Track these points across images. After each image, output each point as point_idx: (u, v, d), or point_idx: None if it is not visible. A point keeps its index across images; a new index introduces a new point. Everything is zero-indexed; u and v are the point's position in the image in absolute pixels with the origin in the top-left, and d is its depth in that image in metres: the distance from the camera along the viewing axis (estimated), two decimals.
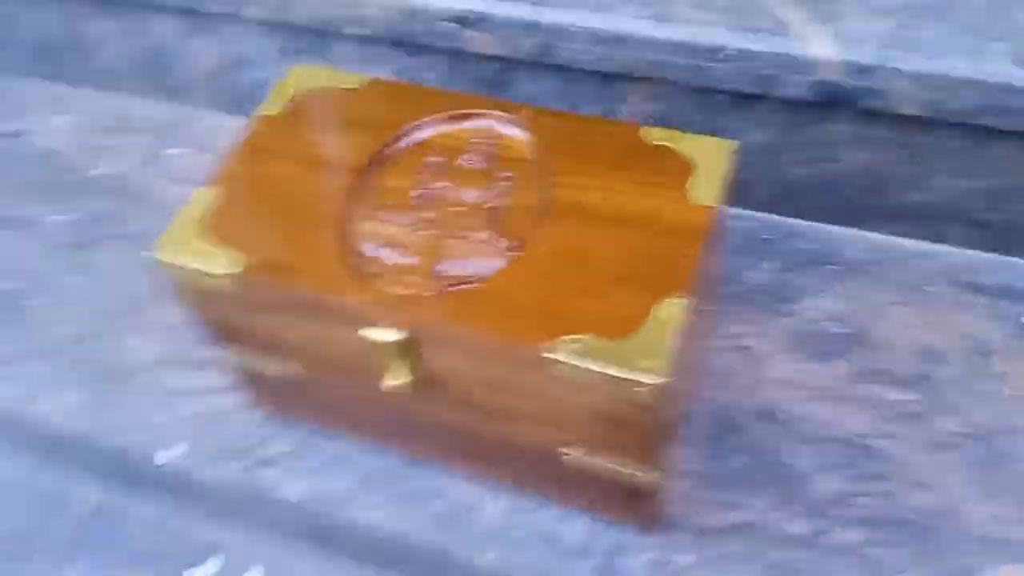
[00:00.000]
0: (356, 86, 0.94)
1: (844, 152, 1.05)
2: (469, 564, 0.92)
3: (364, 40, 1.18)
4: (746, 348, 1.03)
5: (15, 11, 1.44)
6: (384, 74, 1.22)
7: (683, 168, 0.81)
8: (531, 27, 1.04)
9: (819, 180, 1.09)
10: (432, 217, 0.82)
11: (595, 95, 1.12)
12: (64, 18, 1.39)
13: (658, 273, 0.74)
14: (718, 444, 0.96)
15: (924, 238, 1.10)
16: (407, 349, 0.77)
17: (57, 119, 1.46)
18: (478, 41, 1.09)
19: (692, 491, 0.93)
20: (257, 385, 0.96)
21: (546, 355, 0.70)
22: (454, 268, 0.78)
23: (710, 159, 0.81)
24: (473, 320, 0.73)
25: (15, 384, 1.12)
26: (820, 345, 1.03)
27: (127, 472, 1.10)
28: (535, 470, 0.87)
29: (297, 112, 0.91)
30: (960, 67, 0.90)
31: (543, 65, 1.10)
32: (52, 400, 1.10)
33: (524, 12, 1.04)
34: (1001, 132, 0.95)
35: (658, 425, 0.73)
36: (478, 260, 0.78)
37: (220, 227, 0.82)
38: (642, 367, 0.68)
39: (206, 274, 0.79)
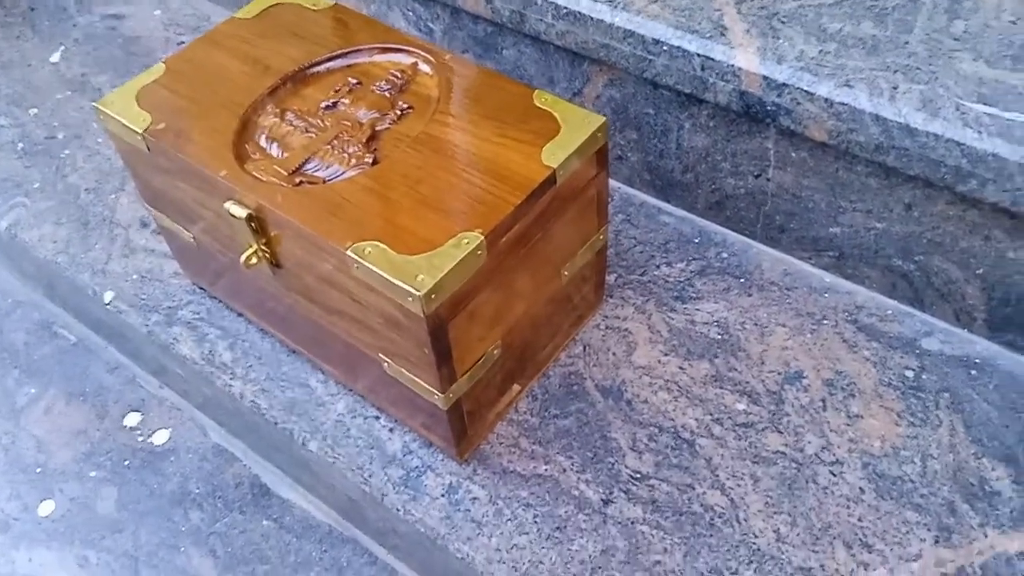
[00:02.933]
0: (322, 7, 1.05)
1: (772, 171, 1.07)
2: (303, 447, 1.02)
3: None
4: (624, 331, 1.08)
5: None
6: (400, 17, 1.33)
7: (550, 131, 0.88)
8: None
9: (749, 194, 1.12)
10: (324, 126, 0.93)
11: (567, 72, 1.18)
12: None
13: (471, 210, 0.81)
14: (557, 404, 1.02)
15: (844, 275, 1.11)
16: (259, 230, 0.88)
17: (153, 12, 1.66)
18: (468, 0, 1.18)
19: (514, 437, 0.99)
20: (177, 250, 1.10)
21: (346, 253, 0.79)
22: (315, 170, 0.88)
23: (576, 128, 0.88)
24: (300, 212, 0.83)
25: (25, 212, 1.32)
26: (693, 345, 1.06)
27: (88, 308, 1.27)
28: (366, 375, 0.96)
29: (262, 20, 1.04)
30: (863, 100, 0.92)
31: (523, 34, 1.18)
32: (46, 232, 1.28)
33: None
34: (910, 177, 0.95)
35: (436, 343, 0.81)
36: (337, 168, 0.88)
37: (153, 96, 0.96)
38: (415, 281, 0.76)
39: (126, 128, 0.93)
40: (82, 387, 1.34)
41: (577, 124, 0.88)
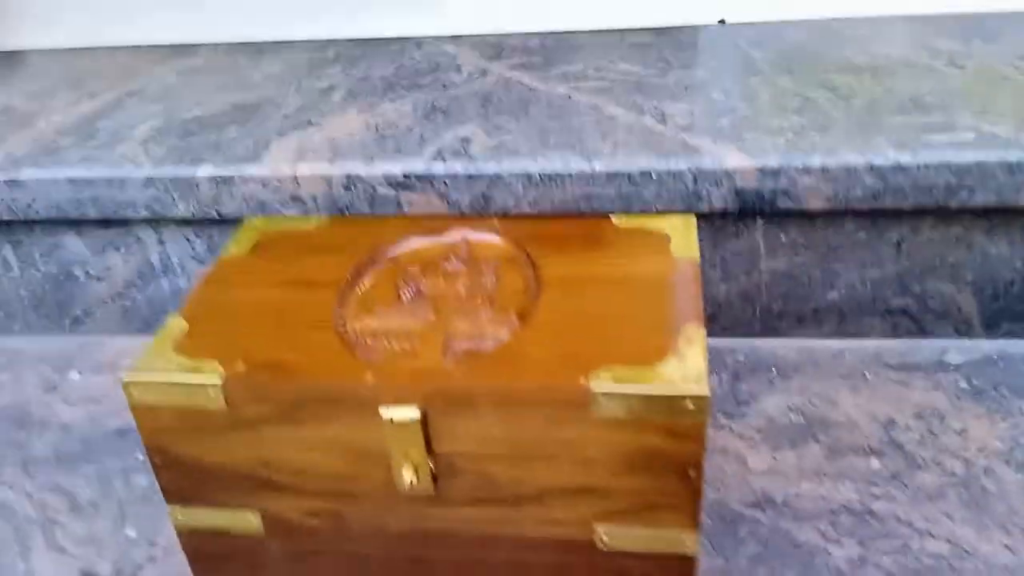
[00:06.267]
0: (318, 225, 0.95)
1: (763, 261, 1.15)
2: None
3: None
4: (723, 449, 1.04)
5: None
6: None
7: (659, 240, 0.87)
8: (472, 179, 1.11)
9: (742, 294, 1.17)
10: (430, 308, 0.82)
11: None
12: None
13: (668, 312, 0.76)
14: (727, 537, 0.93)
15: (847, 336, 1.19)
16: (426, 434, 0.73)
17: None
18: (416, 203, 1.14)
19: None
20: (210, 562, 0.85)
21: (590, 386, 0.69)
22: (466, 344, 0.77)
23: (680, 230, 0.88)
24: (502, 374, 0.71)
25: None
26: (788, 435, 1.05)
27: None
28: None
29: (262, 250, 0.91)
30: (854, 158, 1.05)
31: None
32: None
33: (460, 167, 1.12)
34: (896, 214, 1.08)
35: (700, 460, 0.71)
36: (488, 334, 0.77)
37: (199, 346, 0.77)
38: (683, 383, 0.68)
39: (189, 387, 0.74)
40: None
41: (678, 226, 0.89)
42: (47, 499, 1.06)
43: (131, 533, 1.00)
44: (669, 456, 0.71)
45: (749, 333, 1.21)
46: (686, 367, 0.70)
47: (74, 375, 1.27)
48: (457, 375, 0.72)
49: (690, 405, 0.68)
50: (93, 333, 1.35)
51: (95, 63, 1.61)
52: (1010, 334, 1.17)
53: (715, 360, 1.18)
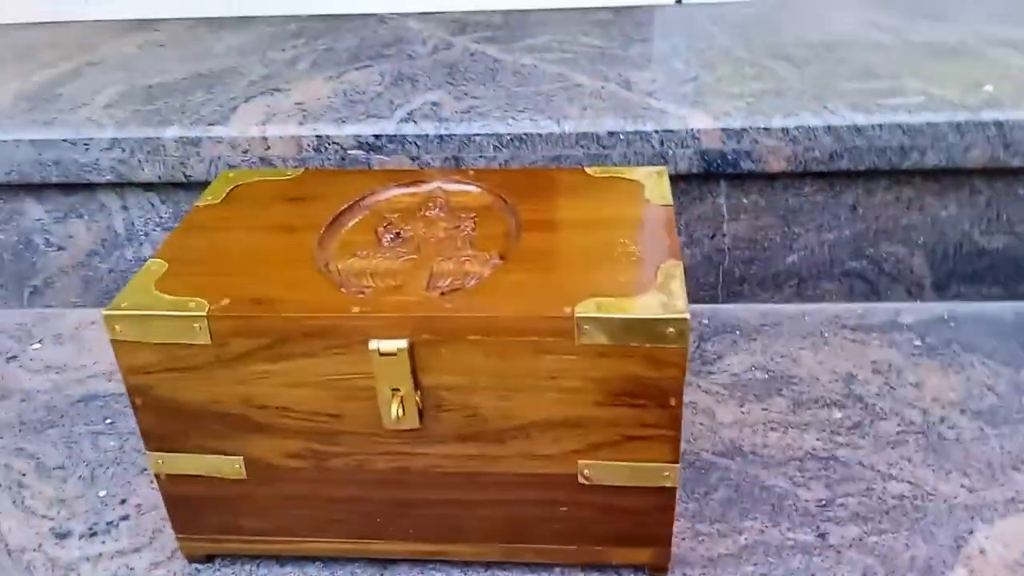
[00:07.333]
0: (294, 177, 0.95)
1: (726, 225, 1.18)
2: None
3: None
4: (692, 404, 1.07)
5: None
6: None
7: (633, 188, 0.89)
8: (443, 140, 1.12)
9: (707, 258, 1.20)
10: (412, 249, 0.82)
11: None
12: None
13: (646, 250, 0.78)
14: (697, 484, 0.95)
15: (804, 300, 1.23)
16: (413, 366, 0.74)
17: None
18: (388, 166, 1.15)
19: (689, 529, 0.90)
20: (189, 509, 0.84)
21: (575, 313, 0.70)
22: (451, 281, 0.78)
23: (653, 179, 0.90)
24: (488, 305, 0.72)
25: None
26: (754, 390, 1.08)
27: None
28: (543, 515, 0.81)
29: (237, 200, 0.91)
30: (812, 119, 1.09)
31: None
32: None
33: (431, 128, 1.13)
34: (852, 175, 1.13)
35: (681, 388, 0.73)
36: (471, 272, 0.78)
37: (180, 284, 0.77)
38: (664, 309, 0.70)
39: (172, 320, 0.73)
40: None
41: (651, 176, 0.91)
42: (12, 462, 1.03)
43: (102, 494, 0.99)
44: (651, 384, 0.73)
45: (712, 299, 1.24)
46: (667, 296, 0.72)
47: (35, 346, 1.24)
48: (444, 306, 0.73)
49: (671, 330, 0.70)
50: (53, 305, 1.32)
51: (48, 36, 1.59)
52: (959, 296, 1.22)
53: None
